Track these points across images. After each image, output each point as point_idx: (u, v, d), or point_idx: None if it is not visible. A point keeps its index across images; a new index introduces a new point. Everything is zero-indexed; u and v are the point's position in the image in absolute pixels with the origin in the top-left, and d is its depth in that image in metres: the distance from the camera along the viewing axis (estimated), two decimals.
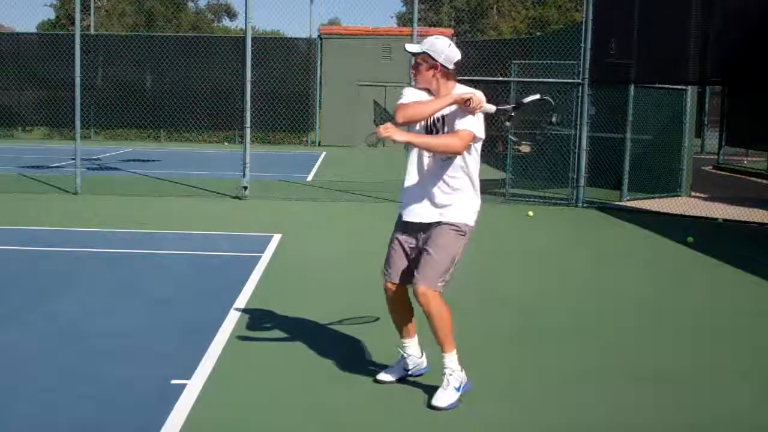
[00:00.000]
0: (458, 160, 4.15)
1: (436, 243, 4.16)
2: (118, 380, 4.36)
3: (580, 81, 12.03)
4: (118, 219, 9.96)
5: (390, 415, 4.06)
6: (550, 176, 13.44)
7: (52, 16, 40.41)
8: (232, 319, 5.55)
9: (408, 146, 4.24)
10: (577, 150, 12.15)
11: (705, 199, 13.09)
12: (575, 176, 12.18)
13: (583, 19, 12.15)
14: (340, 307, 5.98)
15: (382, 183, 13.92)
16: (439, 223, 4.17)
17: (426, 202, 4.21)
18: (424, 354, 4.54)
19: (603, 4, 11.92)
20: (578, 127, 12.09)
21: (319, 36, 26.21)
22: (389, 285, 4.40)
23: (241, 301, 6.07)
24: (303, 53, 25.39)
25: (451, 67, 4.17)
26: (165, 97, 24.12)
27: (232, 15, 46.45)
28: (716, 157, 20.26)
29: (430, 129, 4.20)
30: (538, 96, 4.51)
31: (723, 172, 18.80)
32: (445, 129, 4.16)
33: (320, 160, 20.29)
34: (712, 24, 10.44)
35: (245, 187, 12.17)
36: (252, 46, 12.34)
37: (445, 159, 4.15)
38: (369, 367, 4.70)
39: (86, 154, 16.35)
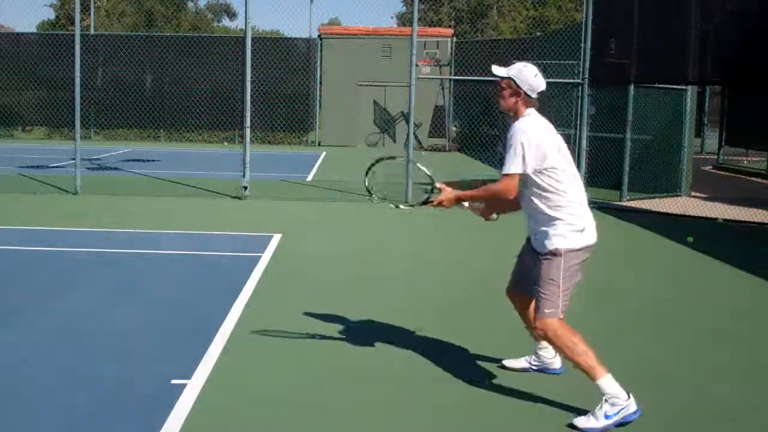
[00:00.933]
0: (540, 188, 4.11)
1: (537, 276, 4.14)
2: (118, 380, 4.36)
3: (580, 81, 12.03)
4: (118, 219, 9.96)
5: (391, 413, 4.06)
6: None
7: (52, 16, 40.41)
8: (232, 319, 5.55)
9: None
10: (577, 150, 12.15)
11: (705, 199, 13.08)
12: None
13: (583, 19, 12.15)
14: (339, 306, 5.98)
15: (381, 183, 13.91)
16: (540, 255, 4.17)
17: (532, 234, 4.28)
18: (558, 355, 4.54)
19: (603, 4, 11.92)
20: (578, 127, 12.09)
21: (319, 36, 26.21)
22: (508, 292, 4.55)
23: (241, 301, 6.07)
24: (303, 53, 25.39)
25: (534, 96, 4.18)
26: (165, 97, 24.13)
27: (232, 15, 46.44)
28: (716, 157, 20.26)
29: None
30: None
31: (723, 172, 18.79)
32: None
33: (320, 160, 20.29)
34: (712, 24, 10.44)
35: (245, 187, 12.17)
36: (252, 46, 12.34)
37: (526, 191, 4.16)
38: (369, 367, 4.70)
39: (86, 154, 16.35)
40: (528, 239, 4.36)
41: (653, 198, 12.95)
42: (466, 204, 4.28)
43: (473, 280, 7.21)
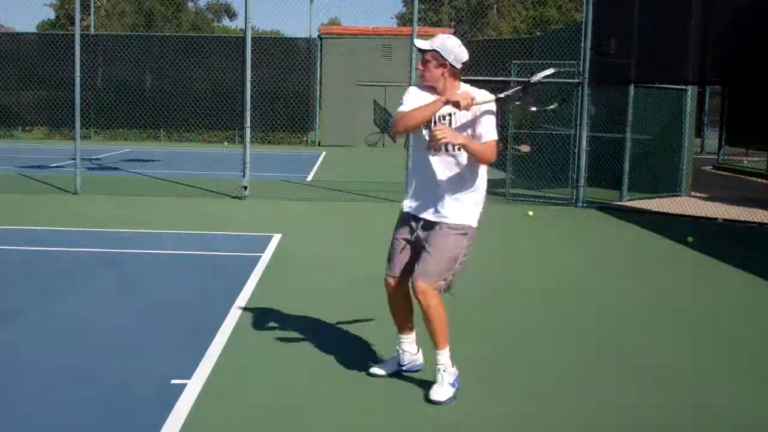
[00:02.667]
0: (466, 159, 4.16)
1: (436, 243, 4.18)
2: (118, 380, 4.36)
3: (580, 81, 12.03)
4: (118, 219, 9.96)
5: (390, 412, 4.06)
6: (550, 176, 13.45)
7: (52, 16, 40.45)
8: (232, 319, 5.56)
9: (409, 142, 4.30)
10: (577, 150, 12.16)
11: (705, 199, 13.09)
12: (575, 176, 12.18)
13: (583, 19, 12.15)
14: (339, 306, 5.98)
15: (382, 183, 13.93)
16: (440, 224, 4.19)
17: (430, 200, 4.24)
18: (420, 351, 4.58)
19: (603, 4, 11.92)
20: (578, 127, 12.09)
21: (319, 36, 26.22)
22: (390, 279, 4.46)
23: (241, 301, 6.07)
24: (303, 53, 25.40)
25: (459, 66, 4.21)
26: (165, 97, 24.13)
27: (232, 15, 46.48)
28: (716, 157, 20.27)
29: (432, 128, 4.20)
30: (550, 71, 4.45)
31: (723, 172, 18.80)
32: (453, 128, 4.17)
33: (320, 160, 20.30)
34: (712, 24, 10.44)
35: (245, 187, 12.17)
36: (252, 46, 12.34)
37: (452, 155, 4.16)
38: (369, 367, 4.70)
39: (86, 154, 16.36)
40: (401, 210, 4.45)
41: (653, 198, 12.95)
42: (458, 141, 4.08)
43: (473, 280, 7.20)
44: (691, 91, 13.32)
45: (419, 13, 13.05)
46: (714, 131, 22.76)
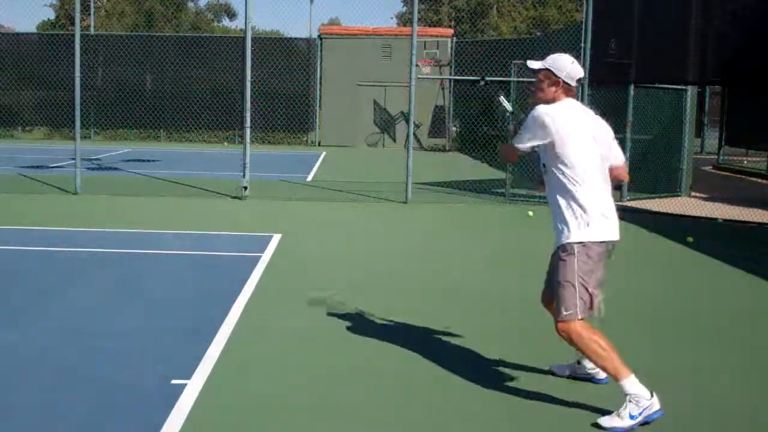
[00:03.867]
0: (557, 178, 4.06)
1: (552, 275, 4.13)
2: (118, 380, 4.36)
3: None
4: (119, 219, 9.96)
5: (391, 412, 4.06)
6: None
7: (52, 16, 40.46)
8: (232, 319, 5.55)
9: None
10: None
11: (705, 199, 13.09)
12: None
13: (583, 19, 12.15)
14: (340, 307, 5.98)
15: (382, 183, 13.93)
16: (557, 249, 4.10)
17: (554, 229, 4.17)
18: None
19: (603, 4, 11.92)
20: None
21: (319, 36, 26.22)
22: (544, 300, 4.43)
23: (241, 301, 6.07)
24: (303, 53, 25.40)
25: (573, 84, 4.16)
26: (165, 97, 24.13)
27: (232, 15, 46.44)
28: (716, 157, 20.26)
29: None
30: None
31: (723, 172, 18.80)
32: (545, 158, 4.15)
33: (320, 160, 20.29)
34: (712, 24, 10.43)
35: (245, 187, 12.17)
36: (252, 46, 12.34)
37: (551, 182, 4.10)
38: (369, 367, 4.70)
39: (86, 154, 16.36)
40: None
41: (653, 198, 12.95)
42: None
43: (474, 279, 7.21)
44: (691, 91, 13.32)
45: (419, 13, 13.07)
46: (714, 131, 22.75)
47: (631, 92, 12.51)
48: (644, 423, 3.90)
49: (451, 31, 27.21)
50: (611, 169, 4.19)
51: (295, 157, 21.38)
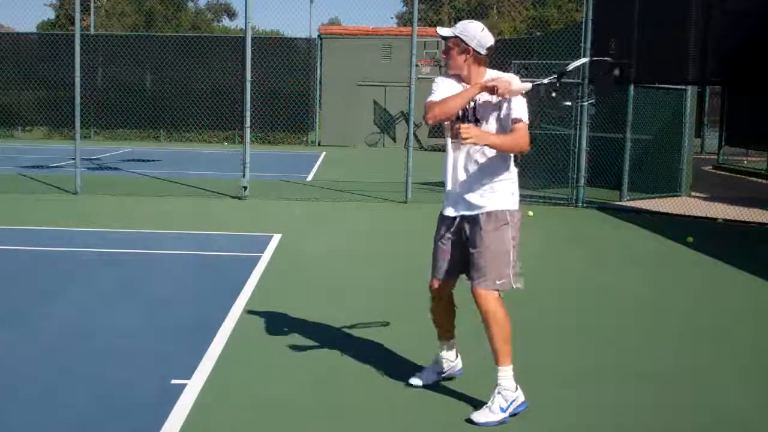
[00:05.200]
0: (482, 149, 4.01)
1: (482, 242, 3.97)
2: (118, 380, 4.36)
3: (580, 81, 12.03)
4: (118, 219, 9.96)
5: (393, 412, 4.06)
6: (550, 176, 13.44)
7: (52, 16, 40.45)
8: (232, 319, 5.55)
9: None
10: (577, 150, 12.15)
11: (705, 199, 13.08)
12: (575, 176, 12.17)
13: (583, 19, 12.15)
14: (339, 306, 5.98)
15: (382, 183, 13.93)
16: (480, 217, 4.00)
17: (466, 194, 4.05)
18: (459, 356, 4.48)
19: (603, 4, 11.91)
20: (578, 127, 12.09)
21: (319, 36, 26.22)
22: (435, 283, 4.26)
23: (241, 301, 6.07)
24: (303, 53, 25.39)
25: (483, 52, 4.06)
26: (165, 97, 24.12)
27: (232, 15, 46.47)
28: (716, 157, 20.26)
29: (463, 120, 4.02)
30: (585, 60, 4.37)
31: (723, 172, 18.80)
32: (478, 118, 4.01)
33: (320, 160, 20.29)
34: (712, 24, 10.43)
35: (245, 187, 12.17)
36: (252, 46, 12.34)
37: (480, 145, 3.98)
38: (369, 366, 4.70)
39: (86, 154, 16.35)
40: (441, 212, 4.21)
41: (653, 198, 12.95)
42: (485, 142, 3.94)
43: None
44: (691, 91, 13.32)
45: (419, 13, 13.06)
46: (714, 131, 22.75)
47: (631, 92, 12.50)
48: (512, 414, 3.94)
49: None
50: None
51: (295, 157, 21.38)
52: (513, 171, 4.12)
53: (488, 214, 4.00)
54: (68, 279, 6.79)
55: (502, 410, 3.91)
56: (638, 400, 4.31)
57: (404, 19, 43.32)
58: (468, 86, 4.03)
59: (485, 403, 3.97)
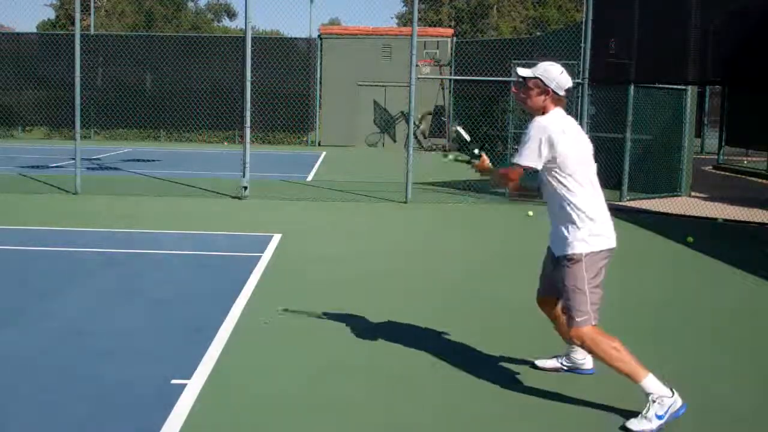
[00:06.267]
0: (556, 189, 4.12)
1: (561, 283, 4.16)
2: (118, 380, 4.36)
3: (580, 81, 12.03)
4: (118, 219, 9.96)
5: (392, 412, 4.06)
6: None
7: (52, 16, 40.44)
8: (232, 319, 5.56)
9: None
10: None
11: (705, 199, 13.09)
12: None
13: (583, 19, 12.15)
14: (339, 306, 5.98)
15: (382, 183, 13.93)
16: (558, 258, 4.18)
17: (553, 235, 4.27)
18: (587, 357, 4.59)
19: (603, 4, 11.92)
20: None
21: (319, 36, 26.21)
22: (538, 298, 4.60)
23: (241, 301, 6.07)
24: (303, 53, 25.39)
25: (562, 94, 4.19)
26: (165, 97, 24.13)
27: (232, 15, 46.45)
28: (716, 157, 20.27)
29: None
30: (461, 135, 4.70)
31: (723, 172, 18.80)
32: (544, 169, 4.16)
33: (320, 160, 20.30)
34: (712, 24, 10.43)
35: (245, 187, 12.17)
36: (252, 46, 12.34)
37: (550, 191, 4.17)
38: (370, 367, 4.70)
39: (86, 154, 16.36)
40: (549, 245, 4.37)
41: (653, 198, 12.95)
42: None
43: (474, 279, 7.21)
44: (691, 91, 13.32)
45: (419, 13, 13.07)
46: (714, 131, 22.75)
47: (631, 92, 12.51)
48: (671, 420, 3.92)
49: (451, 31, 27.19)
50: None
51: (295, 157, 21.38)
52: (581, 215, 4.11)
53: (562, 257, 4.18)
54: (68, 279, 6.79)
55: (660, 417, 3.90)
56: (637, 399, 4.30)
57: (404, 19, 43.29)
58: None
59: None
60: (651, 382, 3.95)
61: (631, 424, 3.92)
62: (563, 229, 4.12)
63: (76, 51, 12.24)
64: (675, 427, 4.00)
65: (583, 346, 4.11)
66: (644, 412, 3.93)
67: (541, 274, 4.53)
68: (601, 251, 4.09)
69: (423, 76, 22.18)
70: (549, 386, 4.45)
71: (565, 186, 4.09)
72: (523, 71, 4.25)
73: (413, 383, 4.47)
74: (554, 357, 4.75)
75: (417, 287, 6.87)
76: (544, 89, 4.16)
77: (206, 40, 25.89)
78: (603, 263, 4.12)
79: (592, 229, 4.07)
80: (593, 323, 4.08)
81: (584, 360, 4.63)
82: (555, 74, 4.18)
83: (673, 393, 3.96)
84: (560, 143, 4.05)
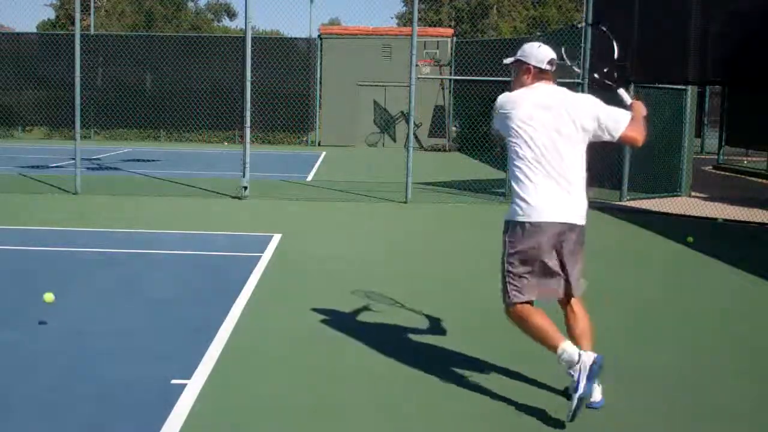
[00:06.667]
0: (509, 156, 4.17)
1: (579, 254, 4.21)
2: (118, 380, 4.36)
3: (580, 81, 12.03)
4: (118, 219, 9.96)
5: (392, 411, 4.06)
6: None
7: (52, 16, 40.41)
8: (232, 319, 5.56)
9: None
10: None
11: (705, 199, 13.09)
12: None
13: (583, 19, 12.15)
14: (339, 306, 5.98)
15: (382, 183, 13.93)
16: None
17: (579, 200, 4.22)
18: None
19: (603, 4, 11.92)
20: None
21: (319, 36, 26.21)
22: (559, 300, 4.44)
23: (241, 301, 6.07)
24: (303, 53, 25.39)
25: (544, 66, 4.21)
26: (165, 97, 24.13)
27: (232, 15, 46.44)
28: (716, 157, 20.27)
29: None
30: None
31: (723, 172, 18.80)
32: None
33: (320, 160, 20.29)
34: (712, 24, 10.43)
35: (245, 187, 12.17)
36: (252, 46, 12.34)
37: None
38: (369, 367, 4.70)
39: (86, 154, 16.36)
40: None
41: (653, 198, 12.95)
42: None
43: (474, 279, 7.21)
44: (691, 91, 13.32)
45: (419, 13, 13.06)
46: (714, 131, 22.76)
47: (631, 92, 12.50)
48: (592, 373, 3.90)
49: (451, 31, 27.19)
50: (621, 139, 4.24)
51: (295, 157, 21.38)
52: (518, 183, 4.17)
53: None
54: (68, 279, 6.79)
55: (590, 378, 3.87)
56: (637, 399, 4.31)
57: (404, 19, 43.29)
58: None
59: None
60: (570, 348, 3.97)
61: (594, 395, 4.01)
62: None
63: (76, 51, 12.24)
64: (675, 427, 4.00)
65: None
66: (585, 380, 3.85)
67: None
68: (520, 222, 4.09)
69: (423, 76, 22.18)
70: (545, 381, 4.45)
71: (514, 155, 4.11)
72: (506, 60, 4.35)
73: (413, 384, 4.46)
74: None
75: (417, 287, 6.87)
76: (527, 68, 4.22)
77: (206, 40, 25.89)
78: (531, 242, 4.10)
79: (523, 196, 4.09)
80: (513, 303, 4.22)
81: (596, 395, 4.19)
82: (532, 50, 4.24)
83: (578, 357, 3.92)
84: (512, 111, 4.10)
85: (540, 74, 4.22)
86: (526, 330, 4.14)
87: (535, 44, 4.29)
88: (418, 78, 13.07)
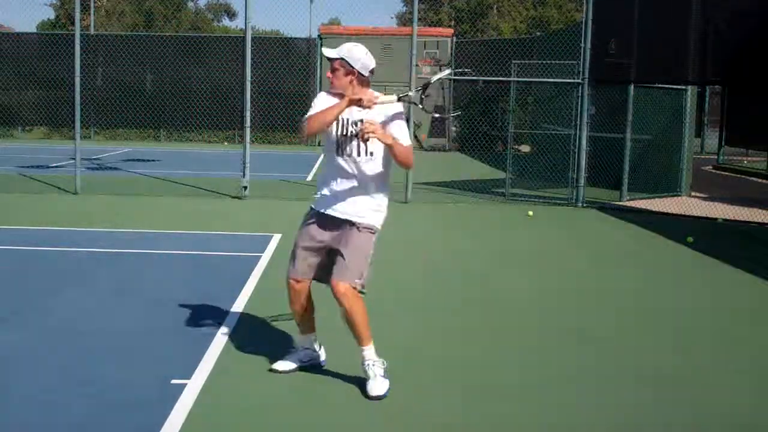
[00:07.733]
0: (382, 163, 4.32)
1: (352, 244, 4.30)
2: (117, 380, 4.36)
3: (580, 81, 12.03)
4: (118, 219, 9.96)
5: (393, 410, 4.06)
6: (550, 176, 13.45)
7: (52, 15, 40.37)
8: (232, 319, 5.56)
9: (327, 142, 4.43)
10: (577, 150, 12.16)
11: (705, 199, 13.09)
12: (575, 176, 12.18)
13: (583, 19, 12.16)
14: (339, 306, 5.97)
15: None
16: (352, 224, 4.34)
17: (344, 200, 4.38)
18: (322, 348, 4.70)
19: (603, 4, 11.92)
20: (578, 126, 12.09)
21: (319, 36, 26.20)
22: (294, 280, 4.50)
23: (241, 301, 6.07)
24: (303, 53, 25.38)
25: (366, 74, 4.32)
26: (165, 97, 24.10)
27: (232, 15, 46.42)
28: (716, 157, 20.27)
29: (345, 133, 4.32)
30: (448, 71, 4.70)
31: (723, 172, 18.80)
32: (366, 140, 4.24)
33: (320, 160, 20.28)
34: (712, 24, 10.43)
35: (245, 187, 12.17)
36: (252, 46, 12.34)
37: (369, 161, 4.30)
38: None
39: (86, 154, 16.36)
40: (311, 208, 4.65)
41: (653, 198, 12.95)
42: (386, 141, 4.29)
43: (474, 279, 7.21)
44: (691, 91, 13.32)
45: (419, 13, 13.06)
46: (714, 131, 22.75)
47: (631, 92, 12.51)
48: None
49: (451, 30, 27.16)
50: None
51: (295, 157, 21.38)
52: (385, 193, 4.47)
53: (363, 224, 4.39)
54: (68, 279, 6.79)
55: (384, 376, 4.24)
56: (638, 399, 4.31)
57: (404, 19, 43.27)
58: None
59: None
60: (373, 348, 4.31)
61: (374, 390, 4.18)
62: (370, 201, 4.42)
63: (76, 51, 12.24)
64: (675, 427, 4.00)
65: (346, 301, 4.26)
66: (372, 376, 4.23)
67: (299, 255, 4.53)
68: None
69: (423, 76, 22.17)
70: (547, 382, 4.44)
71: (390, 163, 4.38)
72: (327, 51, 4.37)
73: (412, 383, 4.47)
74: (288, 357, 4.62)
75: (417, 287, 6.87)
76: (350, 70, 4.28)
77: (206, 40, 25.88)
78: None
79: (386, 209, 4.51)
80: (360, 288, 4.35)
81: (320, 351, 4.69)
82: (359, 55, 4.28)
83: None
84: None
85: (362, 80, 4.32)
86: (360, 314, 4.32)
87: (362, 49, 4.33)
88: (418, 78, 13.05)
